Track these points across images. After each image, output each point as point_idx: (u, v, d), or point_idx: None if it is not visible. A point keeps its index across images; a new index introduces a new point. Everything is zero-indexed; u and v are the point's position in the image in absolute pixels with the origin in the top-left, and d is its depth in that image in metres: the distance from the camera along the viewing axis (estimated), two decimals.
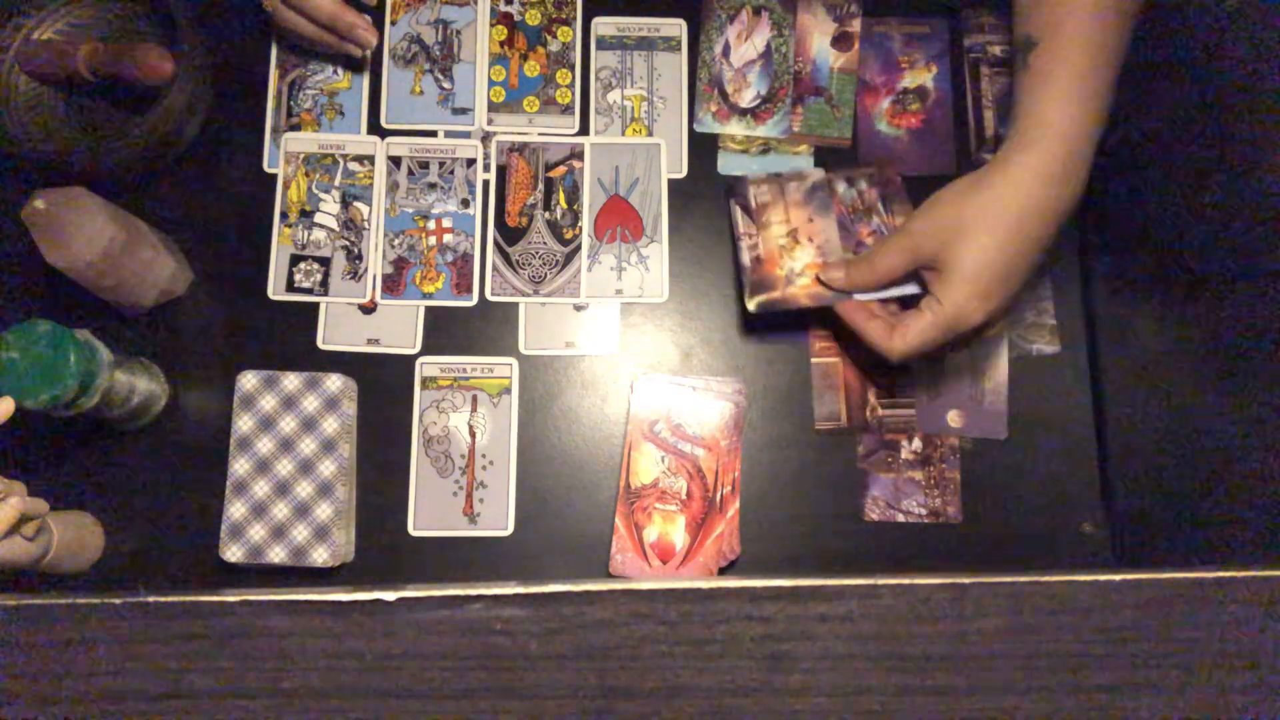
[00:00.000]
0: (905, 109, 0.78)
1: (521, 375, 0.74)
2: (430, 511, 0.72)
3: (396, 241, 0.76)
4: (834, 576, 0.41)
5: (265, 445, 0.70)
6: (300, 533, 0.69)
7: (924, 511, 0.73)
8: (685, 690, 0.40)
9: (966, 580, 0.41)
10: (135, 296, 0.72)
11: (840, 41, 0.79)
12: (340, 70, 0.79)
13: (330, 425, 0.70)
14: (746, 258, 0.71)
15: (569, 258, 0.76)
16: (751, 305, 0.70)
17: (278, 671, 0.41)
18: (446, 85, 0.79)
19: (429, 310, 0.75)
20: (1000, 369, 0.74)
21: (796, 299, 0.70)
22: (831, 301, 0.69)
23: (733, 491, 0.71)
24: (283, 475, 0.70)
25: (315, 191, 0.77)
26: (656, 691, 0.40)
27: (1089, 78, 0.61)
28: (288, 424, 0.70)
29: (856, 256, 0.69)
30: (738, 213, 0.73)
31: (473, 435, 0.73)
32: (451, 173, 0.77)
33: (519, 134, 0.78)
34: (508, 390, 0.74)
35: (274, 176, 0.77)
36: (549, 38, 0.80)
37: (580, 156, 0.78)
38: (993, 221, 0.61)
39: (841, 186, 0.73)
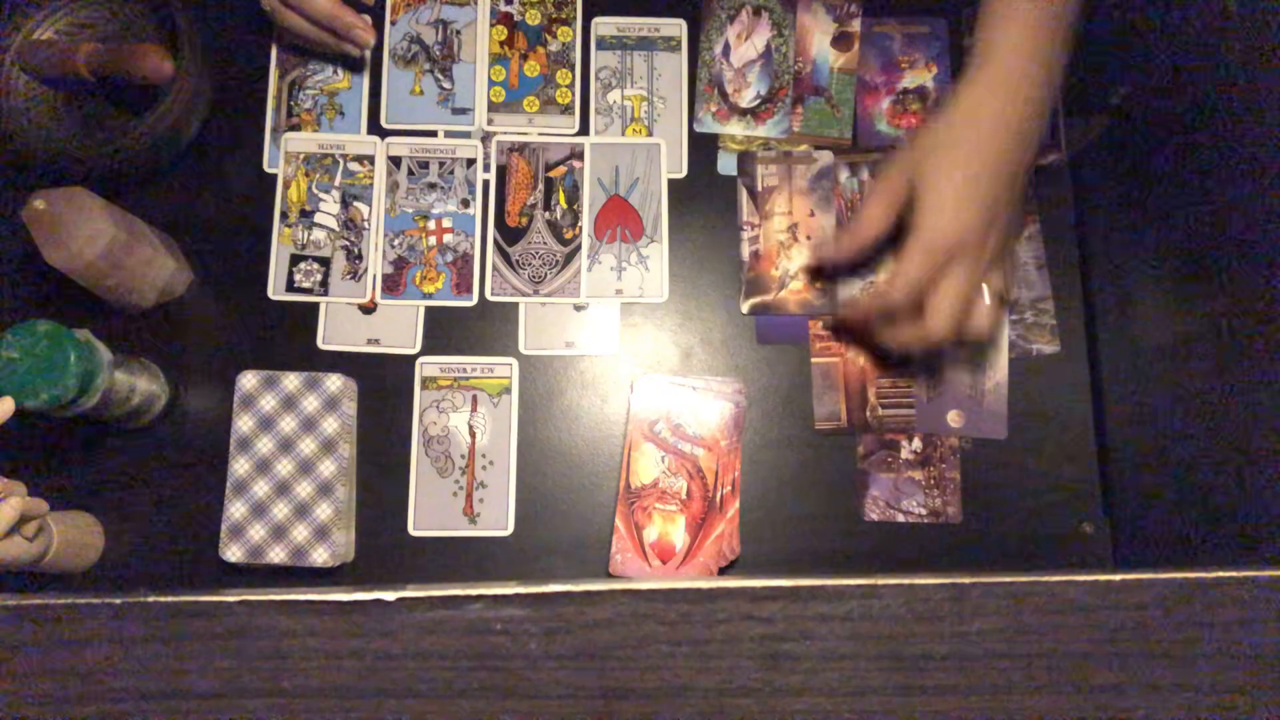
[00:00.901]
0: (905, 109, 0.78)
1: (521, 375, 0.74)
2: (430, 511, 0.72)
3: (396, 241, 0.76)
4: (834, 576, 0.41)
5: (265, 445, 0.70)
6: (300, 533, 0.69)
7: (924, 511, 0.73)
8: (685, 690, 0.40)
9: (966, 580, 0.41)
10: (135, 296, 0.72)
11: (840, 41, 0.79)
12: (340, 70, 0.79)
13: (330, 425, 0.70)
14: (745, 251, 0.74)
15: (569, 258, 0.76)
16: (744, 307, 0.74)
17: (278, 671, 0.40)
18: (446, 85, 0.79)
19: (429, 310, 0.75)
20: (1000, 369, 0.74)
21: (786, 305, 0.74)
22: (819, 313, 0.73)
23: (733, 491, 0.71)
24: (283, 475, 0.70)
25: (315, 191, 0.77)
26: (656, 691, 0.40)
27: (1033, 10, 0.64)
28: (288, 424, 0.70)
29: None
30: (744, 196, 0.74)
31: (473, 435, 0.73)
32: (451, 173, 0.77)
33: (519, 134, 0.78)
34: (508, 390, 0.74)
35: (274, 176, 0.77)
36: (549, 38, 0.80)
37: (580, 156, 0.78)
38: (949, 143, 0.65)
39: (844, 175, 0.75)
